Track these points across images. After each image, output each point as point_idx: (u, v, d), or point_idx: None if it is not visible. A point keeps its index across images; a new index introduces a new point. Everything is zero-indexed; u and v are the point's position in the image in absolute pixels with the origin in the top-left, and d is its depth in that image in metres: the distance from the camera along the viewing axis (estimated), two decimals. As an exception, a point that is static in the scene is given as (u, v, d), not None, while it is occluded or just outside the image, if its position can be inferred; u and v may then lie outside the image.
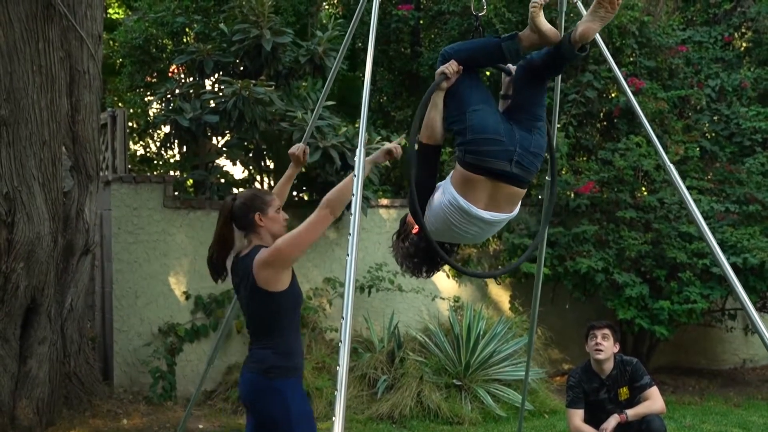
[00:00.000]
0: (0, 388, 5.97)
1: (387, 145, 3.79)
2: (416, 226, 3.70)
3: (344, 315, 2.87)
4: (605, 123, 9.43)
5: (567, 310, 8.59)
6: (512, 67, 3.84)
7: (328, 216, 3.42)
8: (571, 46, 3.41)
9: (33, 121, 5.93)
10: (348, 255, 2.98)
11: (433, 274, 3.96)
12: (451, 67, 3.59)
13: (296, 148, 4.09)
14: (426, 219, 3.62)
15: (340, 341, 2.82)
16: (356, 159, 3.16)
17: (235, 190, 8.80)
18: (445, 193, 3.54)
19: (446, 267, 6.80)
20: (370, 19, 3.59)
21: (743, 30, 10.38)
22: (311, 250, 7.40)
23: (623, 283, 7.93)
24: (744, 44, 10.43)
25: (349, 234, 3.02)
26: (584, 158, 9.15)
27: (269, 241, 3.57)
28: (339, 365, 2.76)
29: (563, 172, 8.68)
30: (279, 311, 3.50)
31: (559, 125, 7.94)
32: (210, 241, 3.73)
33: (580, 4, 4.00)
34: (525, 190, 3.66)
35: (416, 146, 3.65)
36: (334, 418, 2.68)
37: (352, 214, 3.05)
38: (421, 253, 3.76)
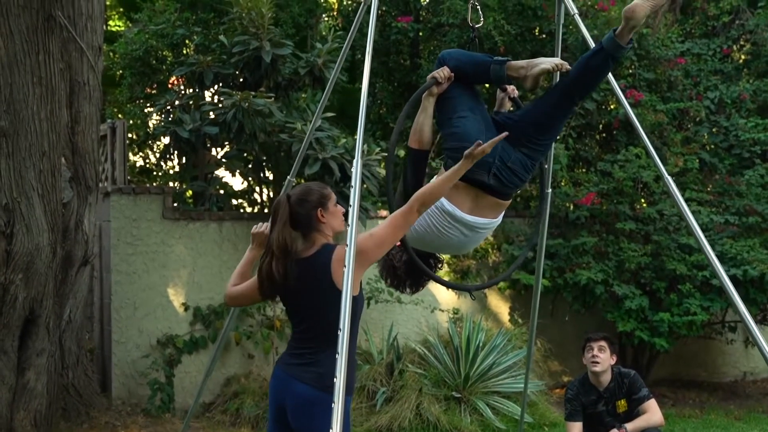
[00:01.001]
0: (-3, 400, 5.96)
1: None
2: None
3: (342, 326, 2.86)
4: (604, 134, 9.45)
5: (566, 322, 8.57)
6: (512, 87, 3.84)
7: (416, 218, 3.20)
8: (615, 40, 3.27)
9: (33, 132, 5.93)
10: (345, 266, 2.98)
11: (417, 291, 3.90)
12: (442, 72, 3.58)
13: (259, 227, 3.57)
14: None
15: (338, 353, 2.81)
16: (353, 170, 3.16)
17: (234, 202, 8.80)
18: None
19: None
20: (368, 31, 3.61)
21: (742, 42, 10.41)
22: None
23: (623, 295, 7.91)
24: (743, 56, 10.46)
25: (347, 245, 3.02)
26: (583, 170, 9.16)
27: (331, 239, 3.34)
28: (336, 377, 2.76)
29: (563, 184, 8.68)
30: (353, 316, 3.17)
31: (558, 137, 7.93)
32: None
33: (577, 17, 4.01)
34: (508, 202, 3.64)
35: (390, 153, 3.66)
36: (331, 431, 2.67)
37: (349, 225, 3.05)
38: (404, 267, 3.73)
